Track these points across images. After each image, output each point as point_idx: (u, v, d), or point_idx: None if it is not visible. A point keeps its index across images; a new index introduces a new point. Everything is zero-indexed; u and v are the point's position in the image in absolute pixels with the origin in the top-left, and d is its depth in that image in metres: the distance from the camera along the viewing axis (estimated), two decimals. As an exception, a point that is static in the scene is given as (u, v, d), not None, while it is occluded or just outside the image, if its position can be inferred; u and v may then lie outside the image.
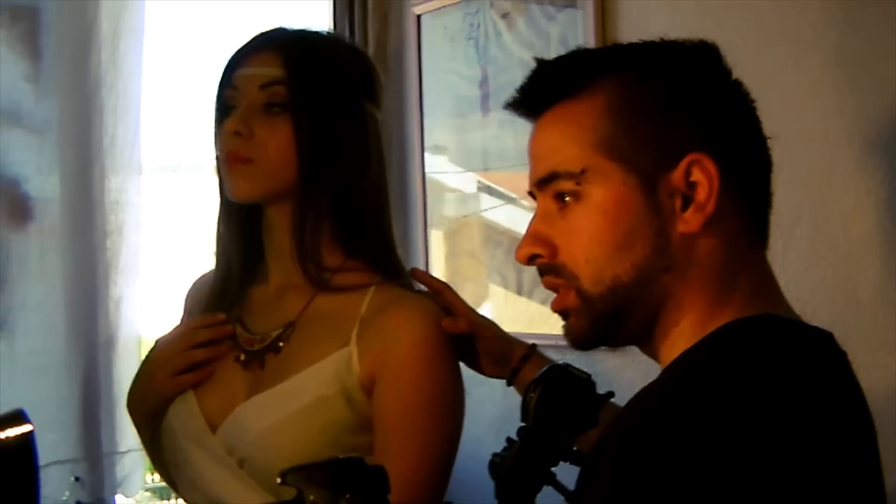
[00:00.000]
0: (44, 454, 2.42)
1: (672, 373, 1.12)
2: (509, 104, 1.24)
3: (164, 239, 2.62)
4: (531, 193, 1.23)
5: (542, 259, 1.19)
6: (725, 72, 1.19)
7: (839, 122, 1.96)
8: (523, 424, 1.30)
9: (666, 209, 1.13)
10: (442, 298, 1.69)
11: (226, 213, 1.70)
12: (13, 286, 2.49)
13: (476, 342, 1.67)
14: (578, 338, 1.19)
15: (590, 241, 1.15)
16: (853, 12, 1.94)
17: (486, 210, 2.87)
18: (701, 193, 1.12)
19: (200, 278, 1.82)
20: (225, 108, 1.65)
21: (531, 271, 2.60)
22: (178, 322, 1.78)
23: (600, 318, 1.16)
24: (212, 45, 1.70)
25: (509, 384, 1.68)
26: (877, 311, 1.91)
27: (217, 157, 1.67)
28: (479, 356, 1.69)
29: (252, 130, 1.60)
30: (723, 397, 1.02)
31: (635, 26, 2.40)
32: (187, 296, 1.83)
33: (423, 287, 1.72)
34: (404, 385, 1.58)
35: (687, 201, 1.13)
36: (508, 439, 1.31)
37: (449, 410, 1.64)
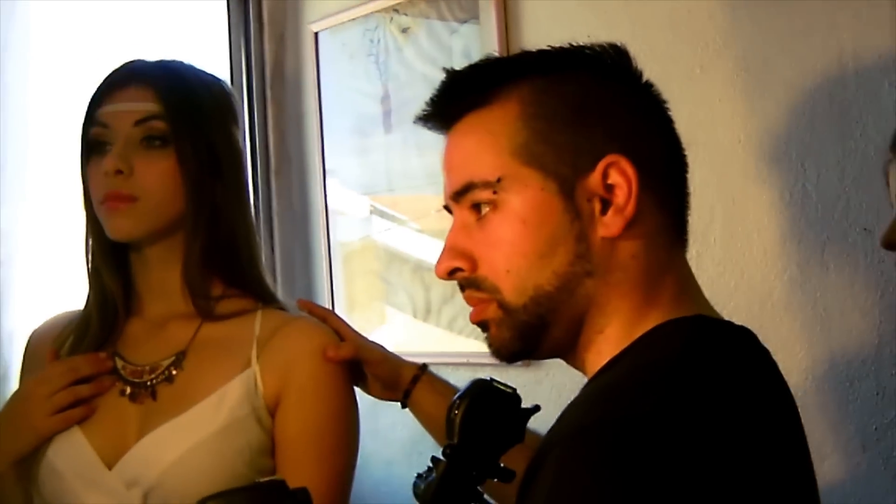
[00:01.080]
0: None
1: (608, 377, 1.11)
2: (420, 117, 1.23)
3: (57, 267, 2.56)
4: (446, 207, 1.22)
5: (461, 273, 1.18)
6: (636, 75, 1.20)
7: (750, 124, 1.99)
8: (448, 442, 1.28)
9: (585, 214, 1.12)
10: (328, 324, 1.70)
11: (100, 250, 1.67)
12: None
13: (364, 366, 1.68)
14: (502, 349, 1.18)
15: (510, 250, 1.14)
16: (759, 14, 1.96)
17: (381, 233, 2.86)
18: (620, 196, 1.12)
19: (43, 326, 1.78)
20: (93, 145, 1.62)
21: (439, 291, 2.60)
22: (22, 376, 1.74)
23: (523, 329, 1.15)
24: (101, 67, 1.66)
25: (403, 406, 1.68)
26: (794, 314, 1.93)
27: (87, 196, 1.65)
28: (368, 380, 1.70)
29: (132, 168, 1.59)
30: (665, 397, 1.00)
31: (538, 37, 2.41)
32: (31, 345, 1.78)
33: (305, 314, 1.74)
34: (309, 402, 1.61)
35: (606, 205, 1.12)
36: (433, 458, 1.29)
37: (352, 428, 1.66)
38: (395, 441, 2.64)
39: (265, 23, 3.14)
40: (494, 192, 1.14)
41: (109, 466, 1.57)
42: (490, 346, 1.19)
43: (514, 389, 1.32)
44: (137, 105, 1.61)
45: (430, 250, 2.69)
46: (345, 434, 1.64)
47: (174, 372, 1.63)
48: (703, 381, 1.03)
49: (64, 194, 2.46)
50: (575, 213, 1.12)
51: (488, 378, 1.32)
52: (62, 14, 2.74)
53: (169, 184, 1.60)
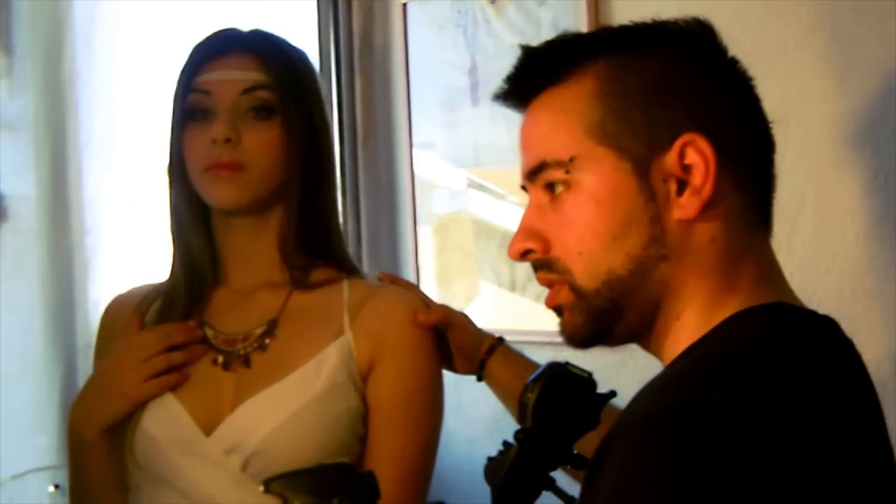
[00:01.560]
0: (22, 461, 2.44)
1: (683, 364, 1.08)
2: (497, 95, 1.22)
3: (144, 237, 2.59)
4: (524, 187, 1.21)
5: (534, 254, 1.17)
6: (721, 50, 1.16)
7: (843, 103, 1.93)
8: (521, 427, 1.27)
9: (661, 194, 1.10)
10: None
11: (189, 218, 1.68)
12: (-13, 288, 2.45)
13: (448, 331, 1.70)
14: (575, 335, 1.16)
15: (582, 232, 1.11)
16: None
17: (475, 206, 2.84)
18: (696, 176, 1.09)
19: (120, 296, 1.80)
20: (191, 112, 1.63)
21: (524, 267, 2.59)
22: (98, 346, 1.76)
23: (596, 314, 1.13)
24: (189, 39, 1.67)
25: (479, 379, 1.69)
26: (886, 300, 1.88)
27: (178, 164, 1.65)
28: (450, 352, 1.72)
29: (240, 136, 1.60)
30: (738, 386, 0.97)
31: (628, 10, 2.37)
32: (108, 315, 1.79)
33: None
34: (402, 367, 1.63)
35: (682, 185, 1.10)
36: (505, 442, 1.28)
37: (440, 393, 1.68)
38: (477, 419, 2.64)
39: (354, -5, 3.14)
40: (567, 172, 1.12)
41: (206, 434, 1.59)
42: (562, 331, 1.18)
43: (590, 374, 1.30)
44: (243, 74, 1.62)
45: (517, 225, 2.65)
46: (434, 399, 1.67)
47: (267, 340, 1.64)
48: (778, 370, 1.00)
49: (148, 164, 2.48)
50: (650, 193, 1.10)
51: (563, 361, 1.30)
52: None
53: (275, 153, 1.62)
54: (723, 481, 0.90)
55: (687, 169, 1.09)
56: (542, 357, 2.39)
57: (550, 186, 1.14)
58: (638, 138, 1.10)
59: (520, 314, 2.65)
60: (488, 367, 1.68)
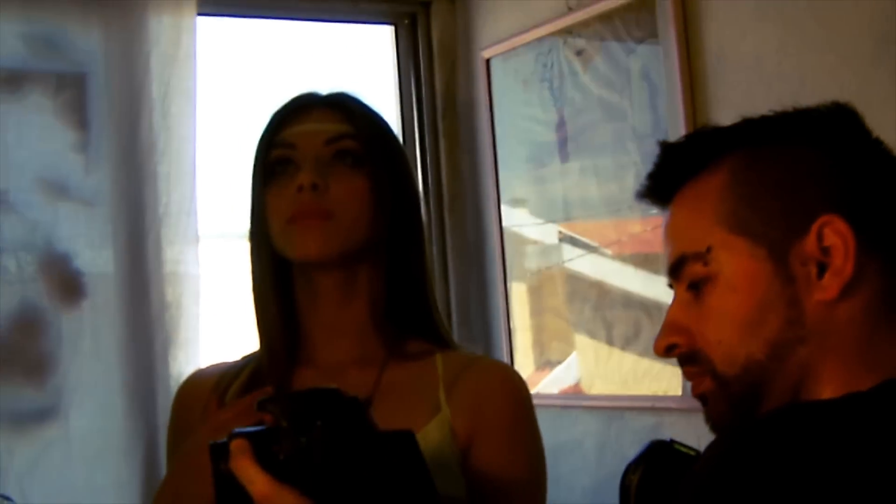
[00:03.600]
0: (104, 543, 2.42)
1: None
2: (640, 193, 1.24)
3: (225, 310, 2.58)
4: (670, 285, 1.22)
5: (679, 349, 1.17)
6: (862, 133, 1.17)
7: None
8: None
9: (800, 278, 1.11)
10: None
11: (273, 286, 1.64)
12: (66, 367, 2.46)
13: None
14: (718, 424, 1.16)
15: (720, 320, 1.14)
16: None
17: (569, 261, 2.80)
18: (837, 257, 1.10)
19: (196, 375, 1.75)
20: (274, 168, 1.60)
21: (623, 327, 2.53)
22: (171, 427, 1.71)
23: (737, 401, 1.13)
24: (268, 105, 1.66)
25: None
26: None
27: (260, 224, 1.62)
28: None
29: (327, 184, 1.56)
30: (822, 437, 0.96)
31: (721, 54, 2.32)
32: (182, 395, 1.73)
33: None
34: (503, 442, 1.58)
35: (822, 268, 1.10)
36: None
37: (544, 468, 1.63)
38: (576, 489, 2.58)
39: (435, 50, 3.13)
40: (705, 264, 1.14)
41: None
42: (707, 420, 1.17)
43: (698, 451, 1.24)
44: (328, 125, 1.59)
45: (612, 281, 2.63)
46: (536, 474, 1.61)
47: None
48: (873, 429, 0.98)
49: (229, 234, 2.47)
50: (787, 277, 1.11)
51: (668, 439, 1.24)
52: (228, 44, 2.78)
53: (363, 203, 1.58)
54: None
55: (826, 251, 1.10)
56: (643, 424, 2.33)
57: (693, 286, 1.16)
58: (771, 224, 1.12)
59: (617, 377, 2.59)
60: None
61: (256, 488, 1.15)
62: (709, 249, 1.14)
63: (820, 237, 1.10)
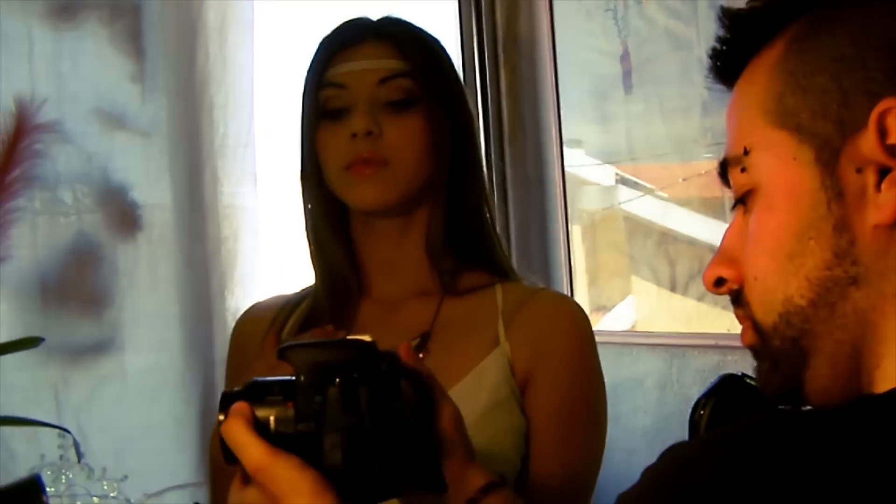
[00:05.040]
0: (160, 478, 2.45)
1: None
2: (708, 72, 1.00)
3: (284, 245, 2.58)
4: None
5: (728, 283, 0.94)
6: None
7: None
8: None
9: (851, 191, 0.84)
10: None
11: (327, 225, 1.64)
12: (122, 301, 2.46)
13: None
14: (765, 386, 0.93)
15: (756, 249, 0.89)
16: None
17: (627, 202, 2.78)
18: None
19: (253, 309, 1.76)
20: (325, 110, 1.59)
21: (685, 266, 2.49)
22: (230, 361, 1.72)
23: (778, 360, 0.89)
24: (327, 28, 1.64)
25: None
26: None
27: (312, 167, 1.62)
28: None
29: (381, 129, 1.55)
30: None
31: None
32: (239, 329, 1.75)
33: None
34: (563, 378, 1.58)
35: (883, 175, 0.82)
36: None
37: (604, 405, 1.62)
38: (636, 429, 2.57)
39: (497, -14, 3.10)
40: (743, 170, 0.90)
41: None
42: (757, 382, 0.95)
43: None
44: (380, 62, 1.57)
45: (676, 221, 2.59)
46: (596, 412, 1.61)
47: (420, 355, 1.59)
48: None
49: (287, 167, 2.47)
50: (835, 190, 0.84)
51: (739, 373, 1.23)
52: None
53: (420, 146, 1.57)
54: None
55: (891, 150, 0.82)
56: (706, 363, 2.31)
57: (742, 202, 0.92)
58: (823, 112, 0.85)
59: (681, 315, 2.58)
60: None
61: (248, 459, 1.04)
62: (747, 151, 0.89)
63: (882, 131, 0.82)
